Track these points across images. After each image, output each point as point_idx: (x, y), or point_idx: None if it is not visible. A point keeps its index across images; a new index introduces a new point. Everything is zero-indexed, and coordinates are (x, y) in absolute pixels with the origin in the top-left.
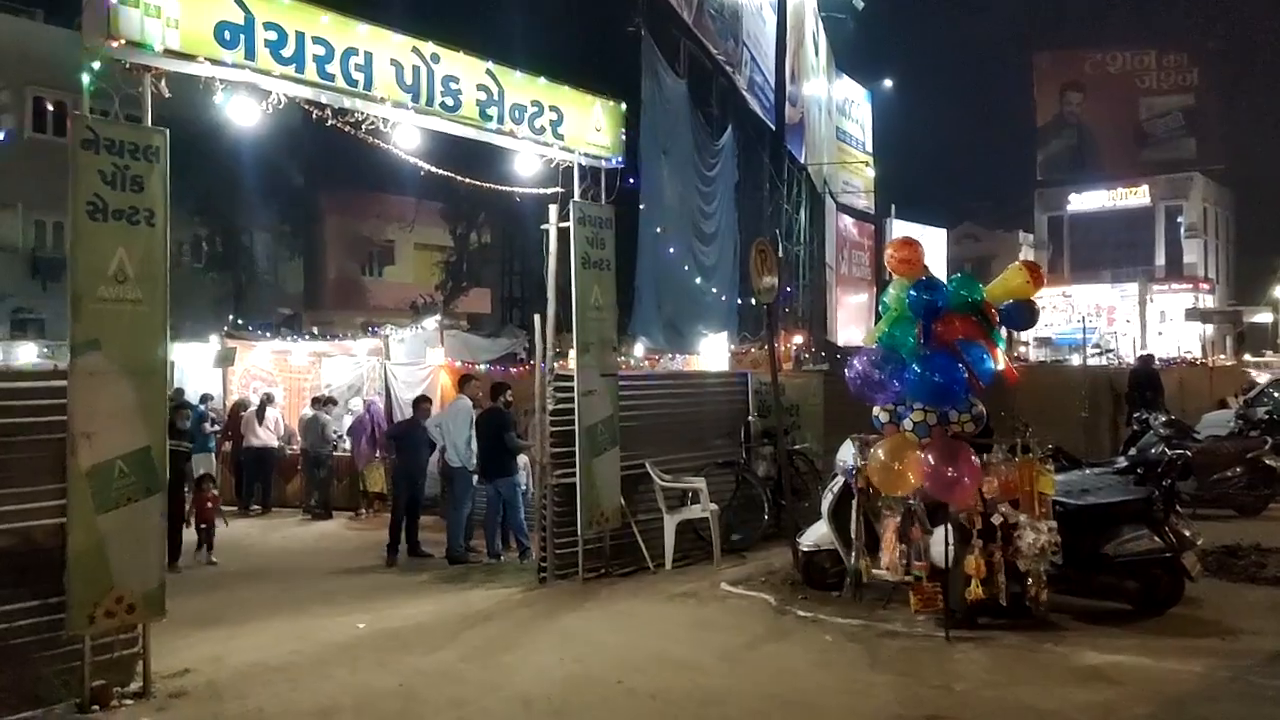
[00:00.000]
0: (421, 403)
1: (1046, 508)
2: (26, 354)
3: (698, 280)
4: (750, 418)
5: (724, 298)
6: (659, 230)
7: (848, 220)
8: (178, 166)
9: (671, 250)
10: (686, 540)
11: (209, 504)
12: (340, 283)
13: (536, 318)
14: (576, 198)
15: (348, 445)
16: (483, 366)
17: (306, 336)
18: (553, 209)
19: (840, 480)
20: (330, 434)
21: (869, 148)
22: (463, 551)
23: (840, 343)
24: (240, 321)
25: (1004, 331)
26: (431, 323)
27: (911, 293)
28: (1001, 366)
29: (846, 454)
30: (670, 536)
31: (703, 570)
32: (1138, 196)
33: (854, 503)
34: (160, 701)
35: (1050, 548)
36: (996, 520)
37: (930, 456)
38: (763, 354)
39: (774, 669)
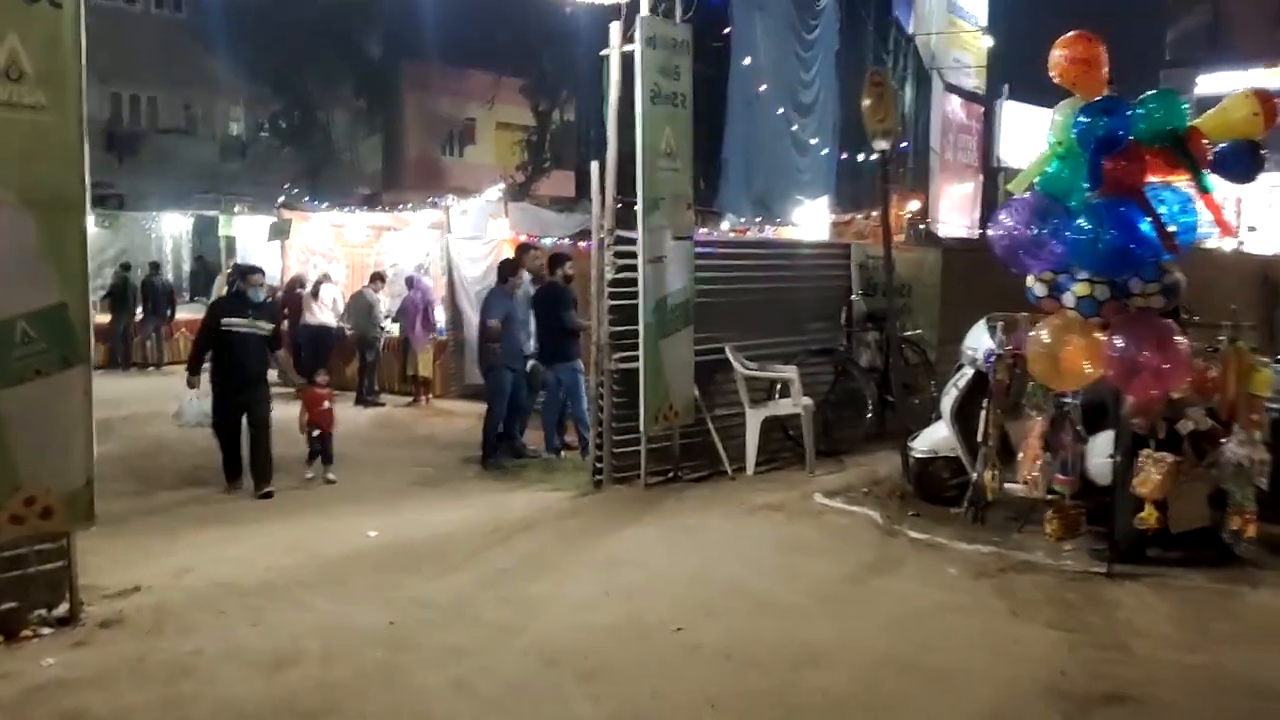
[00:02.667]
0: (514, 269)
1: (1259, 414)
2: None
3: (793, 153)
4: (854, 297)
5: (822, 173)
6: (755, 92)
7: (955, 101)
8: (248, 36)
9: (765, 120)
10: (773, 441)
11: (325, 402)
12: (419, 162)
13: (594, 165)
14: (644, 12)
15: (396, 327)
16: (548, 241)
17: (365, 208)
18: (614, 27)
19: (968, 373)
20: (379, 314)
21: (982, 20)
22: (520, 444)
23: (941, 235)
24: (296, 191)
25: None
26: (495, 192)
27: (1081, 118)
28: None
29: (979, 340)
30: (754, 436)
31: (792, 478)
32: (1276, 78)
33: (986, 401)
34: (85, 633)
35: (1259, 466)
36: (1185, 428)
37: (1118, 339)
38: (870, 225)
39: (886, 614)
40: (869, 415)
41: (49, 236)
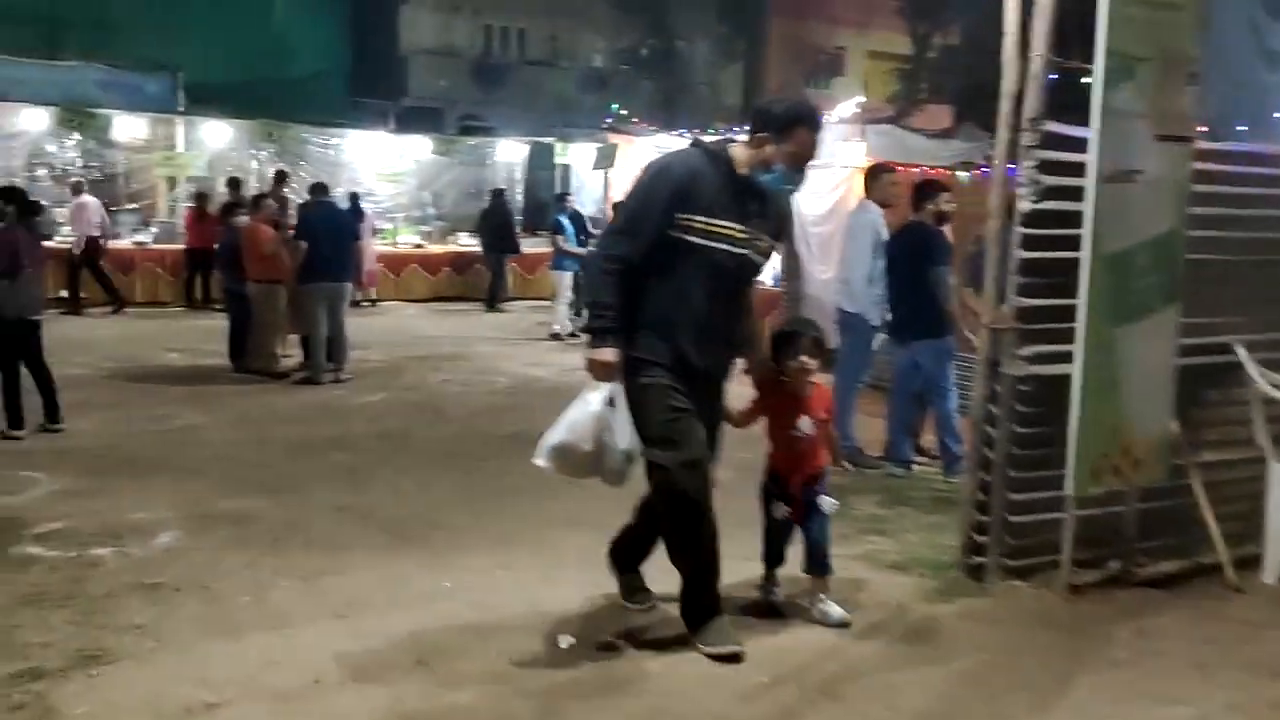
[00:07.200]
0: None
1: None
2: (423, 148)
3: (1259, 66)
4: None
5: None
6: None
7: None
8: None
9: (1221, 21)
10: None
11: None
12: (782, 94)
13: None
14: None
15: None
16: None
17: (697, 130)
18: None
19: None
20: None
21: None
22: (852, 448)
23: None
24: (625, 112)
25: None
26: (849, 107)
27: None
28: None
29: None
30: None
31: None
32: None
33: None
34: None
35: None
36: None
37: None
38: None
39: None
40: None
41: None
